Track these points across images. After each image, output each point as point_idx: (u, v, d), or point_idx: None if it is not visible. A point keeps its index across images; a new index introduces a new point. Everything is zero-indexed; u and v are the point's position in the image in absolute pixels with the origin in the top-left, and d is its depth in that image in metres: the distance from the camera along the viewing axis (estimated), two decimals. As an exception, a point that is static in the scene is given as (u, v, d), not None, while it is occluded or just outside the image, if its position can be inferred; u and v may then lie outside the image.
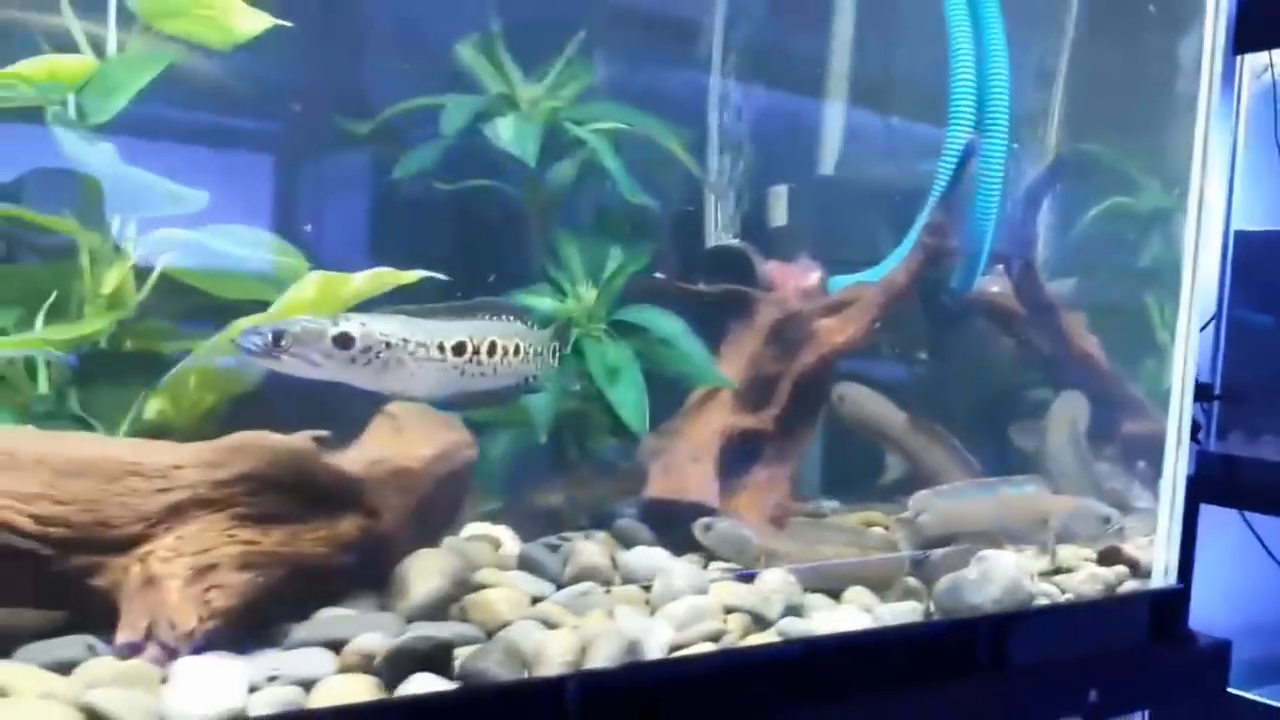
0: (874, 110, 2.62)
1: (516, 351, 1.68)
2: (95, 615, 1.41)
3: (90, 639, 1.38)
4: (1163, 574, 2.14)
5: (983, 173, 2.31)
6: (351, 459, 1.65)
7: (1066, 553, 2.17)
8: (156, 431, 1.69)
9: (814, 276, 2.30)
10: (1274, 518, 3.30)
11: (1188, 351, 2.13)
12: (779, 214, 2.43)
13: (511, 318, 1.69)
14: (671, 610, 1.73)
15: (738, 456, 2.15)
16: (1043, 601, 1.97)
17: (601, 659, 1.51)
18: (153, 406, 1.71)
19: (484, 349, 1.64)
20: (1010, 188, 2.40)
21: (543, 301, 2.12)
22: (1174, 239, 2.59)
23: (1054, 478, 2.35)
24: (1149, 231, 2.72)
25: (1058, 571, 2.08)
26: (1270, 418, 3.21)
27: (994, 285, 2.48)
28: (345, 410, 1.98)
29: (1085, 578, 2.04)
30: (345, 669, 1.41)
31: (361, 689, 1.38)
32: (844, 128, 2.55)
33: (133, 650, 1.36)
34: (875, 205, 2.56)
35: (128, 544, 1.42)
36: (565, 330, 1.84)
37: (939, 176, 2.33)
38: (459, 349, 1.61)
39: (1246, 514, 3.29)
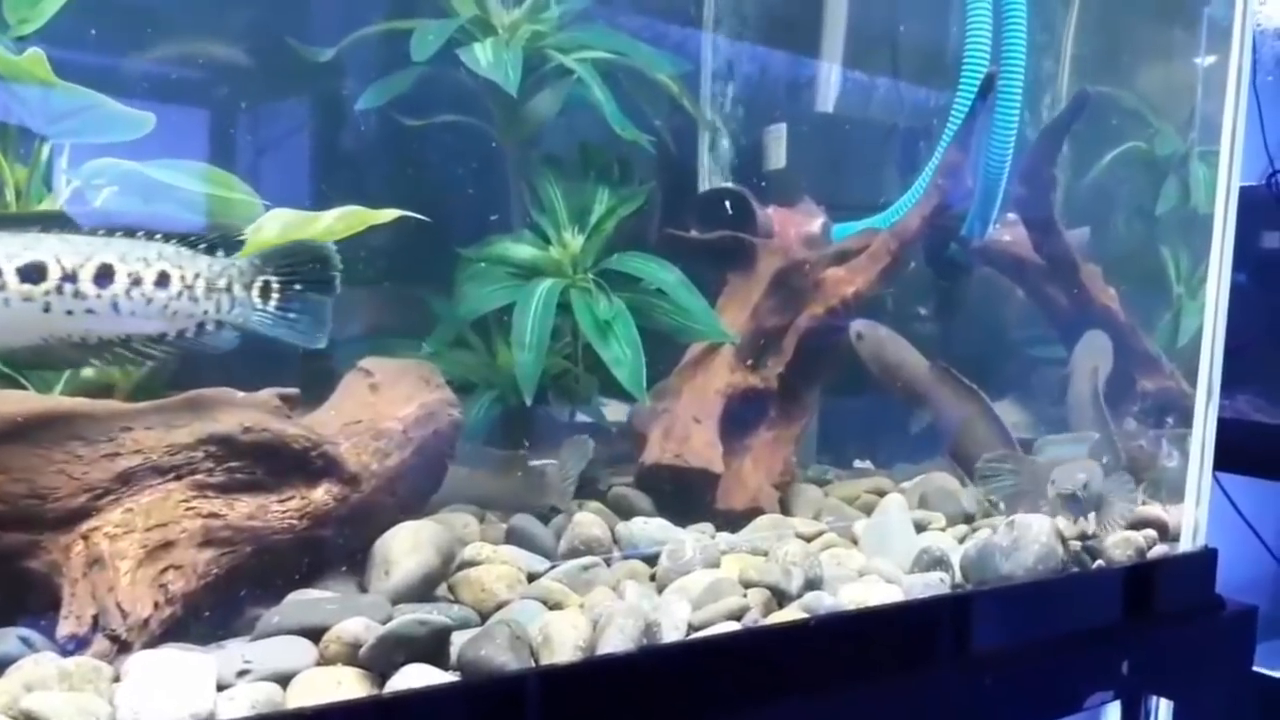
0: (882, 42, 2.44)
1: (163, 281, 1.26)
2: (31, 603, 1.23)
3: (25, 631, 1.19)
4: (1191, 537, 2.02)
5: (999, 108, 2.14)
6: (325, 420, 1.46)
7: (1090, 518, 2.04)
8: (96, 391, 1.48)
9: (817, 222, 2.12)
10: (1243, 477, 3.24)
11: (1218, 306, 1.99)
12: (777, 155, 2.25)
13: (160, 236, 1.27)
14: (685, 586, 1.56)
15: (740, 417, 1.98)
16: (1074, 569, 1.83)
17: (616, 643, 1.33)
18: (91, 363, 1.49)
19: (86, 275, 1.20)
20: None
21: (523, 249, 1.93)
22: (1191, 187, 2.47)
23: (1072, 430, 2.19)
24: (1165, 179, 2.59)
25: (1084, 537, 1.94)
26: (1243, 376, 3.13)
27: (1006, 234, 2.32)
28: (314, 366, 1.78)
29: (1117, 541, 1.90)
30: (327, 660, 1.23)
31: (348, 682, 1.20)
32: (847, 60, 2.36)
33: (77, 644, 1.18)
34: (882, 145, 2.39)
35: (69, 519, 1.24)
36: (293, 257, 1.36)
37: (954, 111, 2.16)
38: (33, 273, 1.17)
39: (1217, 473, 3.22)
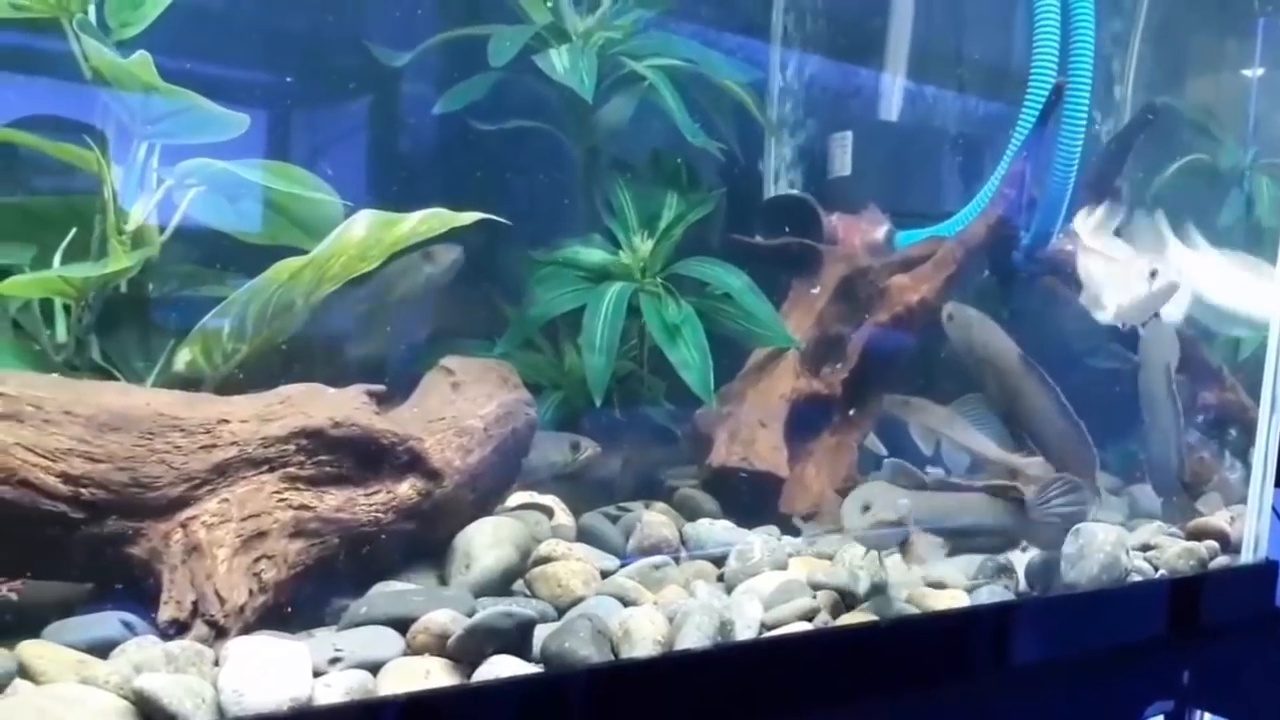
0: (949, 52, 2.44)
1: None
2: (132, 588, 1.26)
3: (127, 615, 1.22)
4: (1252, 549, 2.01)
5: (1066, 118, 2.15)
6: (410, 416, 1.49)
7: (1152, 528, 2.05)
8: (186, 384, 1.52)
9: (881, 230, 2.13)
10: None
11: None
12: (843, 163, 2.26)
13: None
14: (755, 586, 1.58)
15: (804, 422, 2.00)
16: (1136, 578, 1.83)
17: (694, 639, 1.35)
18: (182, 356, 1.53)
19: None
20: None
21: (594, 253, 1.96)
22: (1255, 199, 2.46)
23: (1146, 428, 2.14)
24: (1228, 191, 2.57)
25: (1145, 547, 1.95)
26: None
27: (1070, 244, 2.31)
28: (395, 364, 1.82)
29: (1179, 552, 1.90)
30: (415, 650, 1.26)
31: (436, 672, 1.22)
32: (914, 69, 2.37)
33: (178, 629, 1.20)
34: (947, 153, 2.39)
35: (169, 507, 1.26)
36: None
37: (1021, 121, 2.17)
38: None
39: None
